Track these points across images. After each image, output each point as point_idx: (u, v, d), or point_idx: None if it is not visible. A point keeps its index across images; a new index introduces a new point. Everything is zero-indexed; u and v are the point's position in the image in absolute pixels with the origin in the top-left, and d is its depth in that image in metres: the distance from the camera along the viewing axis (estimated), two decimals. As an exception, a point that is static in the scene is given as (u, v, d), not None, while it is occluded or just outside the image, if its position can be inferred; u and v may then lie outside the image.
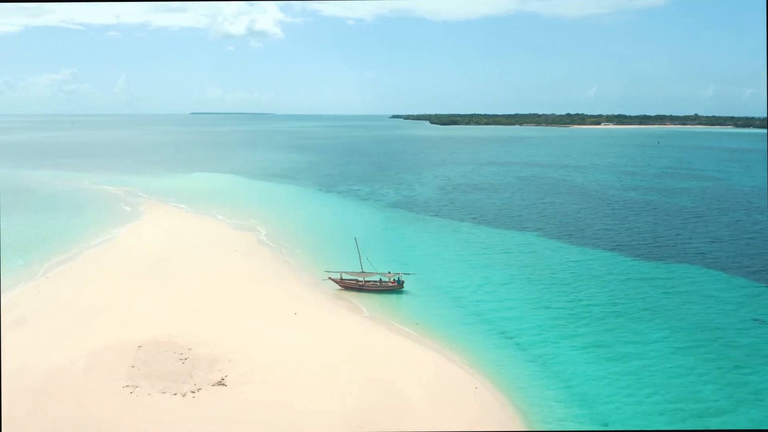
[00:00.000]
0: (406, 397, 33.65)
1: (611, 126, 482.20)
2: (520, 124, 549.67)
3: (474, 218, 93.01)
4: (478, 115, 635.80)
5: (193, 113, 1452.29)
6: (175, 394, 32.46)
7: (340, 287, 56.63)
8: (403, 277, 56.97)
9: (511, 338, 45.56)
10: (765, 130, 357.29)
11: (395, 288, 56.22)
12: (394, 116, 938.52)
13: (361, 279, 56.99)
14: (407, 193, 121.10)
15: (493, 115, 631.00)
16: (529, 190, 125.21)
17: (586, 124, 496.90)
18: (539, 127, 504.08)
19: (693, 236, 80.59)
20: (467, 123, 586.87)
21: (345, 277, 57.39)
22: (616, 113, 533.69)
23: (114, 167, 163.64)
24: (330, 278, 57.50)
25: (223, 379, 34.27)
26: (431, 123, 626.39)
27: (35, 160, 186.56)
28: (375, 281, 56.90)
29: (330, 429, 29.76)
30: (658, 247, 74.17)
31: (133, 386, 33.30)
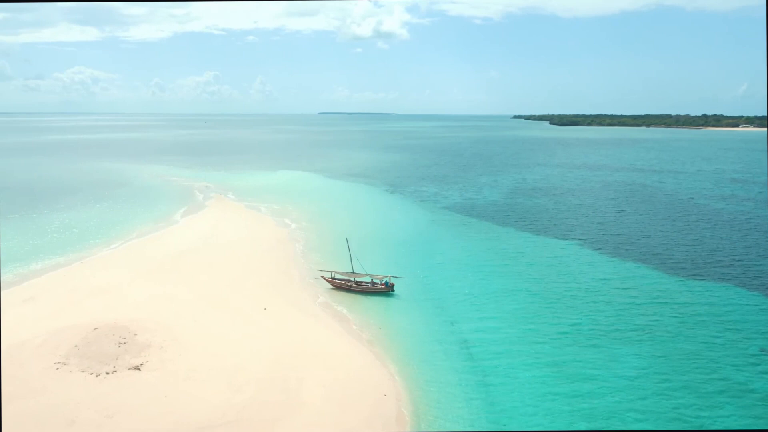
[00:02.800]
0: (303, 397, 33.66)
1: (750, 128, 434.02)
2: (647, 125, 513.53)
3: (522, 225, 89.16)
4: (602, 115, 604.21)
5: (321, 113, 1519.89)
6: (91, 374, 35.10)
7: (332, 287, 57.26)
8: (393, 280, 56.40)
9: (468, 352, 43.38)
10: None
11: (384, 290, 55.82)
12: (515, 116, 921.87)
13: (351, 280, 57.20)
14: (472, 195, 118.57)
15: (620, 115, 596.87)
16: (606, 197, 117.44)
17: (721, 126, 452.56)
18: (667, 129, 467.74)
19: (763, 255, 71.58)
20: (589, 124, 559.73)
21: (336, 277, 57.91)
22: (762, 114, 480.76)
23: (211, 164, 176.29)
24: (322, 277, 58.34)
25: (140, 365, 36.43)
26: (551, 124, 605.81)
27: (150, 156, 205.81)
28: (365, 282, 56.85)
29: (203, 420, 30.68)
30: (709, 266, 66.66)
31: (62, 363, 36.47)
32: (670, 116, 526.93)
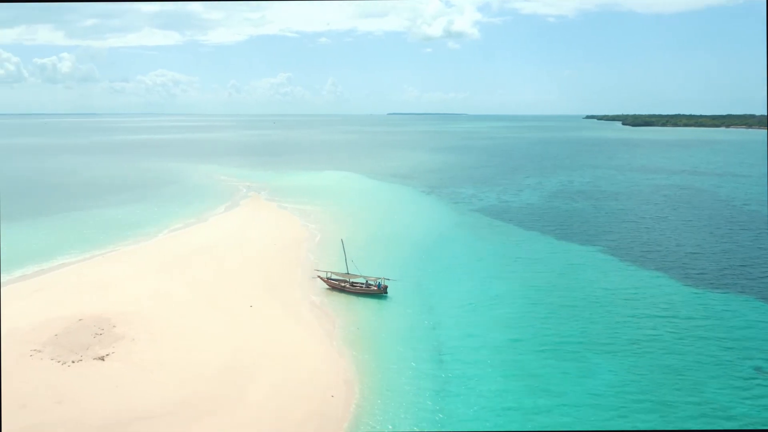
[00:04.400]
0: (246, 393, 34.31)
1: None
2: (727, 126, 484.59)
3: (548, 229, 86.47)
4: (679, 115, 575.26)
5: (390, 113, 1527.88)
6: (59, 362, 37.20)
7: (328, 287, 57.74)
8: (387, 283, 56.28)
9: (438, 359, 42.48)
10: None
11: (377, 292, 55.78)
12: (588, 117, 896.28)
13: (346, 281, 57.47)
14: (509, 198, 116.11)
15: (698, 115, 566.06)
16: (651, 201, 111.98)
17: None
18: (748, 130, 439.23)
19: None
20: (664, 124, 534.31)
21: (332, 277, 58.33)
22: None
23: (263, 164, 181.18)
24: (319, 277, 58.96)
25: (106, 356, 38.21)
26: (623, 124, 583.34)
27: (209, 156, 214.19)
28: (360, 284, 57.00)
29: (141, 411, 31.90)
30: (735, 278, 62.27)
31: (37, 351, 38.84)
32: (753, 116, 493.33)
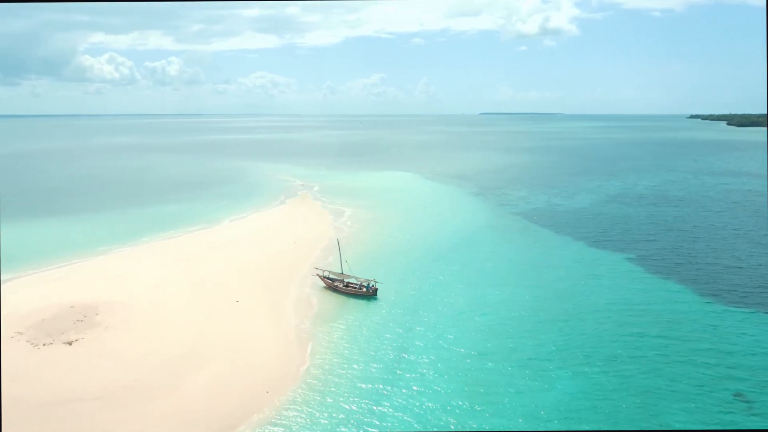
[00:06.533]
0: (185, 384, 35.99)
1: None
2: None
3: (584, 235, 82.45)
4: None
5: (482, 113, 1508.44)
6: (32, 344, 40.62)
7: (324, 285, 58.67)
8: (377, 285, 56.35)
9: (396, 365, 42.04)
10: None
11: (367, 294, 56.03)
12: (692, 116, 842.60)
13: (340, 280, 58.09)
14: (559, 201, 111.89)
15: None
16: (713, 208, 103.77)
17: None
18: None
19: None
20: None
21: (329, 276, 59.16)
22: None
23: (329, 164, 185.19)
24: (317, 275, 60.00)
25: (75, 341, 41.19)
26: (728, 124, 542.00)
27: (283, 155, 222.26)
28: (354, 284, 57.42)
29: (81, 393, 34.27)
30: (756, 292, 57.30)
31: (19, 333, 42.56)
32: None
